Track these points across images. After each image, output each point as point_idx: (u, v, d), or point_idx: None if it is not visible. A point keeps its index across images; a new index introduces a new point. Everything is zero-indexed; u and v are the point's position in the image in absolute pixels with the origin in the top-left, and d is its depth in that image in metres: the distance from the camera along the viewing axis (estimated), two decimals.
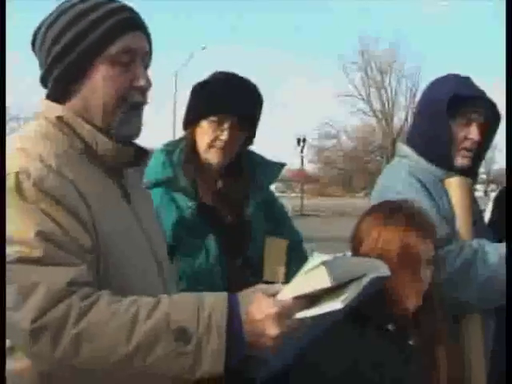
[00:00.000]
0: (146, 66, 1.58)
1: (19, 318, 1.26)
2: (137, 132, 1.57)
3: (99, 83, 1.49)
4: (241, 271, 2.17)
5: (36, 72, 1.58)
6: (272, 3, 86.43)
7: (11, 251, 1.29)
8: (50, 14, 1.54)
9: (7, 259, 1.28)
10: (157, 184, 2.22)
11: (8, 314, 1.27)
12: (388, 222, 1.79)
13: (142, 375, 1.30)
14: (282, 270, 2.20)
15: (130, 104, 1.52)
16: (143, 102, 1.56)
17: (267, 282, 2.12)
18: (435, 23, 79.85)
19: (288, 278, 2.13)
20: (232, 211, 2.23)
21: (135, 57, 1.53)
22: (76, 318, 1.26)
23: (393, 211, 1.83)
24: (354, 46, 50.81)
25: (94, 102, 1.50)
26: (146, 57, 1.57)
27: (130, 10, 1.55)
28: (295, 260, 2.24)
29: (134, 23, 1.54)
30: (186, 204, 2.17)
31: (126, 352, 1.26)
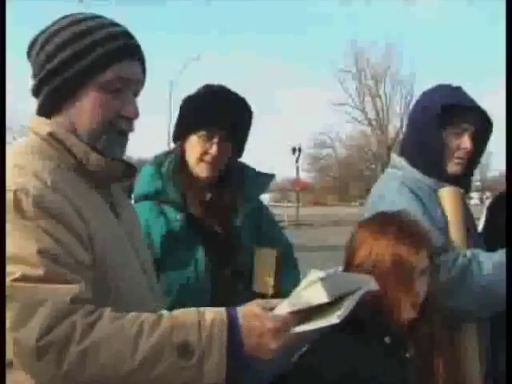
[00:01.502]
0: (136, 94, 1.58)
1: (23, 336, 1.25)
2: (119, 157, 1.58)
3: (88, 107, 1.50)
4: (230, 282, 2.17)
5: (25, 82, 1.58)
6: (266, 12, 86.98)
7: (13, 269, 1.28)
8: (49, 28, 1.53)
9: (9, 277, 1.27)
10: (146, 197, 2.23)
11: (10, 331, 1.26)
12: (380, 233, 1.78)
13: None
14: (271, 281, 2.20)
15: (115, 131, 1.53)
16: (129, 130, 1.57)
17: (257, 293, 2.13)
18: (429, 29, 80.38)
19: (277, 289, 2.15)
20: (221, 223, 2.22)
21: (127, 85, 1.53)
22: (80, 334, 1.26)
23: (385, 223, 1.82)
24: (348, 54, 51.04)
25: (81, 124, 1.50)
26: (137, 85, 1.57)
27: (129, 35, 1.55)
28: (285, 269, 2.25)
29: (130, 51, 1.54)
30: (175, 216, 2.18)
31: (130, 367, 1.27)
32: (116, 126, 1.53)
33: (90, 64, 1.48)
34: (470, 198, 2.59)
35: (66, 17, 1.55)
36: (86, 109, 1.49)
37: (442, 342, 1.85)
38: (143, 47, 1.58)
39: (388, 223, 1.81)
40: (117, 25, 1.56)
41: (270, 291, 2.17)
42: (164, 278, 2.07)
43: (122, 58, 1.51)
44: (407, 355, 1.81)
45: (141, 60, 1.57)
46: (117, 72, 1.50)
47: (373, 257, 1.75)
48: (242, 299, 1.47)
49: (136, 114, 1.55)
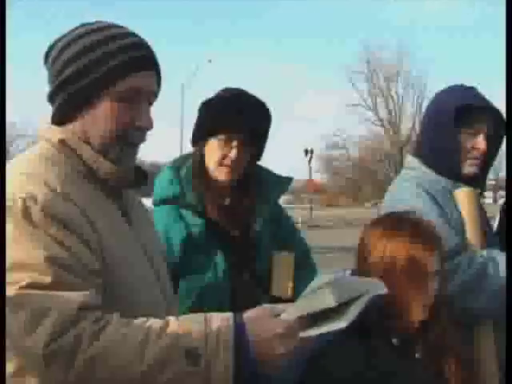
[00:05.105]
0: (150, 103, 1.57)
1: (31, 342, 1.27)
2: (130, 167, 1.57)
3: (101, 116, 1.49)
4: (248, 286, 2.17)
5: (42, 88, 1.59)
6: (278, 16, 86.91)
7: (21, 277, 1.29)
8: (66, 35, 1.54)
9: (17, 285, 1.29)
10: (165, 201, 2.23)
11: (19, 338, 1.28)
12: (394, 234, 1.77)
13: None
14: (290, 285, 2.20)
15: (127, 142, 1.53)
16: (141, 142, 1.57)
17: (275, 297, 2.13)
18: (442, 28, 79.83)
19: (296, 293, 2.14)
20: (239, 227, 2.22)
21: (141, 95, 1.52)
22: (88, 341, 1.27)
23: (399, 223, 1.81)
24: (360, 55, 50.86)
25: (94, 133, 1.50)
26: (151, 95, 1.56)
27: (146, 46, 1.55)
28: (303, 273, 2.24)
29: (146, 62, 1.53)
30: (194, 221, 2.18)
31: (138, 373, 1.28)
32: (128, 138, 1.52)
33: (104, 74, 1.47)
34: (484, 197, 2.58)
35: (87, 24, 1.55)
36: (100, 118, 1.49)
37: (452, 341, 1.84)
38: (155, 48, 1.57)
39: (402, 223, 1.80)
40: (134, 35, 1.55)
41: (289, 295, 2.17)
42: (183, 283, 2.09)
43: (137, 69, 1.50)
44: (417, 356, 1.81)
45: (156, 70, 1.56)
46: (132, 83, 1.49)
47: (386, 256, 1.74)
48: (261, 303, 1.47)
49: (150, 125, 1.55)
